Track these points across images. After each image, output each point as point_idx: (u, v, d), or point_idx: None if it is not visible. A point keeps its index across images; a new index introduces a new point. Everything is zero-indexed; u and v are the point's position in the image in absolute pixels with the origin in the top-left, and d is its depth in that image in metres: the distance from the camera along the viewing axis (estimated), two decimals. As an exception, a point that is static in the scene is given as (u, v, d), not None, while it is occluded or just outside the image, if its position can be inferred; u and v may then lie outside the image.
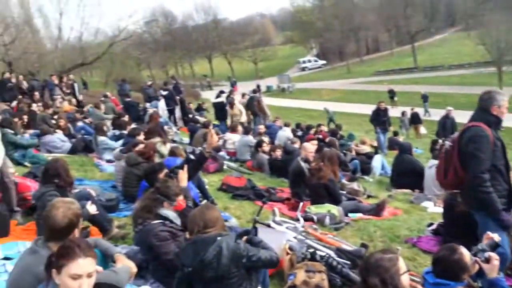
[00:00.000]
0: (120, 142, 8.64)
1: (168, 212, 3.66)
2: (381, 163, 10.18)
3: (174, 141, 12.14)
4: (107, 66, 35.46)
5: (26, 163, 7.57)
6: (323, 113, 25.41)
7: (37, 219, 4.35)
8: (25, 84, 15.34)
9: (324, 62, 65.54)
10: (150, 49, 42.41)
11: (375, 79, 47.13)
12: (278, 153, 9.03)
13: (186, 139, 12.86)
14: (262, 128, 12.21)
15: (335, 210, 5.82)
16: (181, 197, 3.70)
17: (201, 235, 2.87)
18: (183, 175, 4.17)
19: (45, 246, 2.63)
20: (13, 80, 14.74)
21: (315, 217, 5.68)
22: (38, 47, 29.13)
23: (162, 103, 15.48)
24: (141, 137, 7.58)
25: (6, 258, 3.80)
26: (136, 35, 32.04)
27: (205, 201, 6.07)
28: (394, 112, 21.63)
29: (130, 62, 36.12)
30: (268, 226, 4.37)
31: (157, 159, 7.75)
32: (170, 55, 56.67)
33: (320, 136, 10.15)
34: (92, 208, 4.11)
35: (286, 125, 12.93)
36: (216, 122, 15.41)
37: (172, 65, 64.24)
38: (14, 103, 13.20)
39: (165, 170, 4.48)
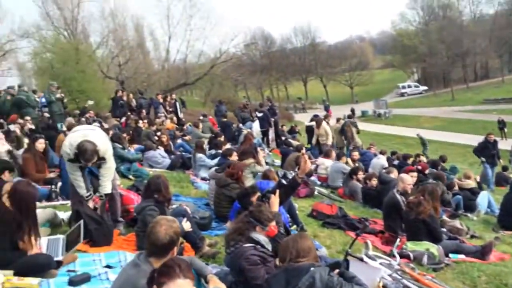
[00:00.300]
0: (215, 161, 8.94)
1: (260, 236, 3.65)
2: (487, 200, 9.30)
3: (266, 163, 12.29)
4: (207, 86, 37.34)
5: (130, 176, 8.14)
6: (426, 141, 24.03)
7: (137, 232, 4.60)
8: (134, 102, 16.59)
9: (425, 88, 62.25)
10: (248, 71, 43.76)
11: (483, 108, 43.60)
12: (374, 182, 8.69)
13: (278, 161, 12.96)
14: (356, 154, 11.88)
15: (434, 249, 5.41)
16: (273, 223, 3.67)
17: (293, 264, 2.81)
18: (275, 199, 4.16)
19: (147, 261, 2.75)
20: (124, 98, 16.01)
21: (411, 255, 5.34)
22: (147, 68, 31.63)
23: (256, 124, 15.81)
24: (235, 157, 7.75)
25: (107, 266, 4.06)
26: (235, 57, 33.23)
27: (294, 226, 6.06)
28: (504, 144, 19.86)
29: (228, 83, 37.58)
30: (361, 260, 4.16)
31: (251, 180, 7.95)
32: (266, 77, 57.99)
33: (419, 167, 9.55)
34: (187, 225, 4.26)
35: (382, 152, 12.46)
36: (308, 146, 15.32)
37: (268, 86, 65.61)
38: (123, 119, 14.33)
39: (258, 194, 4.50)
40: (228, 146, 10.92)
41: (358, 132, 15.36)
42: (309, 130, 15.58)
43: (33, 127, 10.54)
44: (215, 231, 5.57)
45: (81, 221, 4.31)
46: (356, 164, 11.45)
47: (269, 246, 3.70)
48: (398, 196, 6.56)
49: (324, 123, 13.92)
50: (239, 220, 3.78)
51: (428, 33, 59.40)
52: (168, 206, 4.83)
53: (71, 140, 4.51)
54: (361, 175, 9.45)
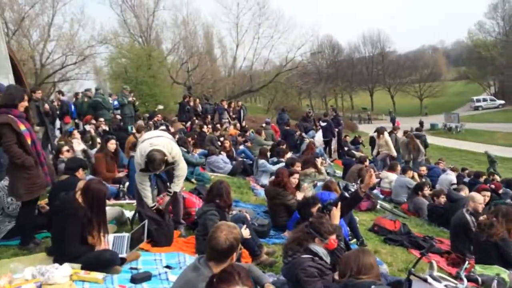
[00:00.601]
0: (277, 166, 8.93)
1: (318, 248, 3.59)
2: None
3: (327, 173, 12.12)
4: (271, 94, 37.59)
5: (193, 180, 8.36)
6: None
7: (197, 235, 4.70)
8: (200, 107, 17.07)
9: (502, 102, 58.39)
10: (313, 80, 43.54)
11: None
12: (442, 199, 8.26)
13: (339, 172, 12.71)
14: (424, 169, 11.37)
15: (506, 274, 5.02)
16: (333, 236, 3.59)
17: (354, 280, 2.73)
18: (336, 212, 4.07)
19: (206, 265, 2.79)
20: (191, 103, 16.51)
21: (479, 279, 4.99)
22: (214, 74, 32.47)
23: (319, 134, 15.64)
24: (298, 167, 7.71)
25: (167, 267, 4.17)
26: (301, 66, 33.20)
27: (354, 240, 5.90)
28: None
29: (293, 91, 37.58)
30: (425, 281, 3.94)
31: (311, 190, 7.86)
32: (332, 86, 57.35)
33: (493, 186, 8.96)
34: (246, 232, 4.28)
35: (453, 169, 11.79)
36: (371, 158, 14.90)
37: (332, 96, 64.82)
38: (188, 124, 14.78)
39: (319, 205, 4.43)
40: (289, 154, 10.89)
41: (426, 146, 14.74)
42: (373, 141, 15.17)
43: (106, 128, 11.15)
44: (272, 239, 5.55)
45: (145, 221, 4.48)
46: (423, 180, 11.00)
47: (327, 259, 3.63)
48: (468, 216, 6.19)
49: (386, 134, 13.49)
50: (298, 230, 3.73)
51: (508, 44, 55.82)
52: (228, 211, 4.89)
53: (141, 151, 4.71)
54: (427, 191, 9.02)
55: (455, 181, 10.82)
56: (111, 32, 28.53)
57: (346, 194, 4.26)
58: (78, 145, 6.42)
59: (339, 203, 4.10)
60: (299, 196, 6.45)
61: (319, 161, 8.33)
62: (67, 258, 3.77)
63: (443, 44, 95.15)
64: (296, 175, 6.57)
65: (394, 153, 12.97)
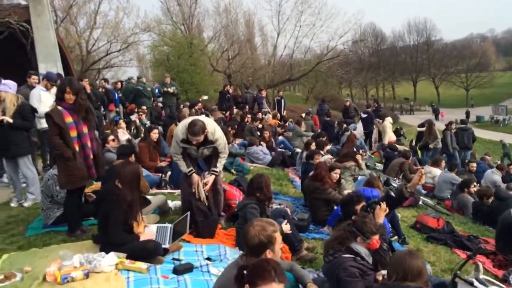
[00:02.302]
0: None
1: (360, 248, 3.52)
2: None
3: (367, 166, 11.89)
4: (311, 83, 37.14)
5: (232, 170, 8.42)
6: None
7: (237, 227, 4.73)
8: (239, 96, 17.10)
9: (556, 94, 55.52)
10: (354, 69, 42.64)
11: None
12: (490, 198, 7.94)
13: (380, 165, 12.45)
14: (474, 165, 10.94)
15: (556, 279, 4.79)
16: (376, 236, 3.51)
17: (399, 283, 2.65)
18: (380, 211, 3.97)
19: (246, 261, 2.80)
20: (231, 91, 16.55)
21: (528, 283, 4.78)
22: (254, 63, 32.34)
23: (360, 125, 15.36)
24: (318, 160, 7.55)
25: (208, 258, 4.22)
26: (343, 55, 32.53)
27: (395, 237, 5.76)
28: None
29: (333, 80, 37.01)
30: (471, 284, 3.81)
31: (351, 184, 7.74)
32: (373, 75, 56.01)
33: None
34: (286, 227, 4.27)
35: (499, 167, 11.26)
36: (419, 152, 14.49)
37: (374, 85, 63.37)
38: (228, 113, 14.85)
39: (363, 203, 4.34)
40: (329, 146, 10.76)
41: (474, 140, 14.17)
42: (420, 134, 14.70)
43: (145, 121, 11.35)
44: (312, 234, 5.51)
45: (188, 213, 4.55)
46: (470, 176, 10.61)
47: (369, 259, 3.56)
48: (516, 216, 5.93)
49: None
50: (341, 228, 3.68)
51: None
52: (268, 205, 4.89)
53: (184, 123, 4.79)
54: (473, 188, 8.69)
55: (500, 182, 10.38)
56: (154, 19, 28.94)
57: (392, 194, 4.12)
58: (123, 134, 6.58)
59: (384, 203, 3.99)
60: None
61: (359, 156, 8.14)
62: (112, 246, 3.88)
63: (493, 33, 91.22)
64: (338, 170, 6.46)
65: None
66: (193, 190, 4.85)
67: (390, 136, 14.01)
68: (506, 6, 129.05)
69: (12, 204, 6.10)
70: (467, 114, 45.79)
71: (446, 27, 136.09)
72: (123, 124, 7.64)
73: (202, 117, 4.96)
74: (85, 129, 4.51)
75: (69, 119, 4.36)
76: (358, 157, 7.97)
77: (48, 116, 4.34)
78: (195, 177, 4.88)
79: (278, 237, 2.77)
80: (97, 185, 5.77)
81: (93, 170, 4.55)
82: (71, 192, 4.57)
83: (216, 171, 4.99)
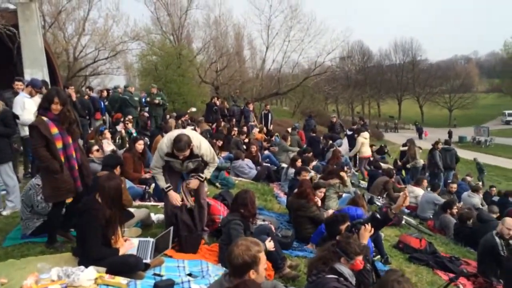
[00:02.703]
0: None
1: (344, 268, 3.51)
2: None
3: (351, 183, 11.95)
4: (298, 97, 37.33)
5: (217, 184, 8.37)
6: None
7: (220, 244, 4.68)
8: (226, 109, 17.09)
9: (536, 117, 56.74)
10: (341, 85, 43.07)
11: None
12: (470, 220, 8.03)
13: (364, 183, 12.54)
14: (454, 186, 11.08)
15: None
16: (360, 257, 3.51)
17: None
18: (365, 232, 3.96)
19: (230, 281, 2.76)
20: (218, 104, 16.52)
21: (508, 308, 4.82)
22: (242, 75, 32.42)
23: (345, 142, 15.45)
24: (305, 176, 7.57)
25: (190, 274, 4.16)
26: (330, 71, 32.84)
27: (378, 256, 5.77)
28: None
29: (320, 96, 37.32)
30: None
31: (335, 201, 7.75)
32: (359, 92, 56.67)
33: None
34: (270, 245, 4.25)
35: (475, 190, 11.36)
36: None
37: (360, 102, 64.06)
38: (214, 125, 14.82)
39: (348, 223, 4.34)
40: (314, 163, 10.78)
41: (457, 161, 14.36)
42: (402, 153, 14.86)
43: (132, 130, 11.27)
44: (295, 252, 5.48)
45: (171, 228, 4.48)
46: (452, 196, 10.74)
47: (353, 280, 3.54)
48: (497, 239, 6.02)
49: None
50: (324, 249, 3.66)
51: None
52: (253, 221, 4.85)
53: (169, 136, 4.72)
54: (455, 210, 8.79)
55: (479, 204, 10.54)
56: (143, 29, 28.85)
57: (378, 216, 4.12)
58: (108, 145, 6.49)
59: (369, 224, 3.98)
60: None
61: (344, 173, 8.16)
62: (91, 260, 3.80)
63: (477, 55, 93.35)
64: (323, 189, 6.48)
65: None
66: (175, 203, 4.77)
67: (362, 151, 13.94)
68: (489, 30, 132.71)
69: (-10, 212, 5.95)
70: (450, 134, 46.46)
71: (432, 48, 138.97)
72: (108, 134, 7.55)
73: (188, 131, 4.92)
74: (70, 140, 4.42)
75: (54, 130, 4.28)
76: (343, 174, 7.99)
77: (33, 127, 4.23)
78: (173, 194, 4.80)
79: (263, 257, 2.74)
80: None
81: (79, 182, 4.45)
82: (57, 204, 4.47)
83: (202, 177, 4.93)
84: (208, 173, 5.00)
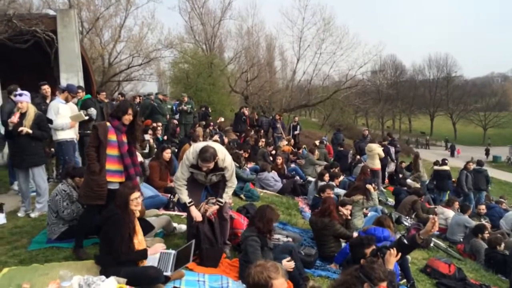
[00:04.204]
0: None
1: None
2: None
3: (379, 201, 11.68)
4: (327, 109, 37.06)
5: (242, 196, 8.31)
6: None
7: (240, 259, 4.62)
8: (255, 119, 17.08)
9: None
10: (372, 99, 42.52)
11: None
12: (502, 246, 7.69)
13: (391, 201, 12.23)
14: (483, 208, 10.69)
15: None
16: (384, 283, 3.37)
17: None
18: (391, 257, 3.81)
19: None
20: (247, 113, 16.53)
21: None
22: (272, 86, 32.46)
23: (374, 158, 15.12)
24: (328, 194, 7.44)
25: (210, 290, 4.11)
26: (361, 84, 32.48)
27: (404, 281, 5.58)
28: None
29: (349, 109, 36.95)
30: None
31: (361, 219, 7.57)
32: (390, 107, 55.78)
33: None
34: (288, 264, 4.16)
35: None
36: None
37: (390, 117, 63.03)
38: (243, 135, 14.83)
39: (373, 246, 4.20)
40: (342, 178, 10.60)
41: (488, 182, 13.87)
42: (439, 175, 14.27)
43: (161, 138, 11.40)
44: (318, 271, 5.33)
45: (193, 241, 4.44)
46: (482, 220, 10.35)
47: None
48: (532, 271, 5.71)
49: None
50: (348, 273, 3.53)
51: None
52: (269, 237, 4.76)
53: (195, 147, 4.73)
54: (487, 234, 8.43)
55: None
56: (177, 37, 29.40)
57: (405, 241, 3.96)
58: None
59: (396, 249, 3.83)
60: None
61: (370, 186, 7.90)
62: (112, 270, 3.80)
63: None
64: (349, 206, 6.33)
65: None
66: (197, 219, 4.76)
67: (373, 164, 12.74)
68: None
69: (19, 214, 6.10)
70: (487, 151, 45.19)
71: (467, 64, 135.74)
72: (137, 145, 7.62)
73: (213, 144, 4.89)
74: (125, 150, 4.56)
75: (112, 137, 4.46)
76: (369, 187, 7.75)
77: (95, 127, 4.48)
78: (194, 210, 4.78)
79: (277, 283, 2.53)
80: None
81: (136, 181, 4.58)
82: (90, 208, 4.55)
83: (222, 202, 4.90)
84: (227, 196, 4.94)
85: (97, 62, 27.59)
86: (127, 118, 4.51)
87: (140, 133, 4.79)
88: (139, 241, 4.02)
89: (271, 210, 4.80)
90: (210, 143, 4.90)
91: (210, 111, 17.52)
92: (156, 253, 4.24)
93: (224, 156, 4.74)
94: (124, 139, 4.56)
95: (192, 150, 4.72)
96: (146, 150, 8.72)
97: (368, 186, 7.78)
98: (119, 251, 3.84)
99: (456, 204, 10.22)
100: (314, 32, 31.10)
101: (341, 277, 3.58)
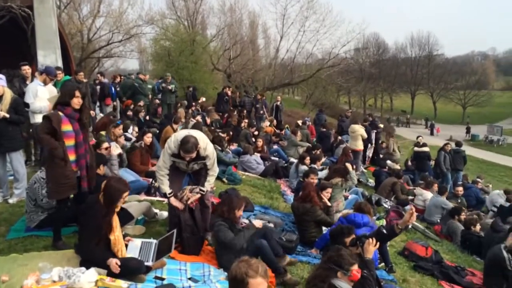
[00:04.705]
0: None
1: (343, 284, 3.42)
2: None
3: (359, 182, 11.84)
4: (310, 88, 37.02)
5: (224, 179, 8.31)
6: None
7: (216, 248, 4.75)
8: (238, 99, 16.98)
9: (551, 117, 55.93)
10: (354, 78, 42.55)
11: None
12: (477, 228, 7.91)
13: (372, 181, 12.41)
14: (460, 189, 10.93)
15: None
16: (355, 266, 3.42)
17: None
18: (370, 246, 3.88)
19: None
20: (229, 94, 16.41)
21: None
22: (255, 64, 32.17)
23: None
24: (312, 180, 7.31)
25: (191, 278, 4.13)
26: (344, 63, 32.41)
27: (382, 264, 5.70)
28: None
29: (332, 87, 36.94)
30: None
31: (342, 201, 7.66)
32: (373, 86, 56.03)
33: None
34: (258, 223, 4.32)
35: (507, 192, 11.21)
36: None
37: (372, 95, 63.42)
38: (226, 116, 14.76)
39: (353, 236, 4.27)
40: (324, 159, 10.66)
41: (465, 162, 14.16)
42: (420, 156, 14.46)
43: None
44: (299, 256, 5.40)
45: (174, 231, 4.44)
46: (459, 200, 10.62)
47: None
48: (505, 253, 5.87)
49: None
50: (318, 267, 3.60)
51: None
52: (235, 222, 4.81)
53: (177, 136, 4.68)
54: (463, 216, 8.65)
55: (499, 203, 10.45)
56: (158, 13, 28.75)
57: (384, 231, 4.03)
58: (116, 148, 6.41)
59: (374, 239, 3.89)
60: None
61: (349, 165, 7.93)
62: (86, 261, 3.82)
63: (494, 52, 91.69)
64: (329, 189, 6.40)
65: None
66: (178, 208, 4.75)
67: (356, 145, 12.84)
68: (508, 27, 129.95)
69: (-3, 200, 5.99)
70: (468, 129, 46.04)
71: (448, 42, 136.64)
72: (122, 137, 7.42)
73: (194, 132, 4.84)
74: (82, 139, 4.39)
75: (67, 127, 4.26)
76: (348, 165, 7.81)
77: (46, 117, 4.24)
78: (174, 201, 4.76)
79: (256, 284, 2.45)
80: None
81: (85, 183, 4.41)
82: (61, 202, 4.45)
83: (204, 190, 4.89)
84: (208, 185, 4.95)
85: (76, 38, 26.85)
86: (76, 102, 4.26)
87: (88, 117, 4.48)
88: (116, 237, 3.94)
89: (236, 200, 4.87)
90: (191, 131, 4.85)
91: (196, 91, 17.34)
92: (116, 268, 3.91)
93: (205, 145, 4.71)
94: (80, 127, 4.35)
95: (174, 139, 4.67)
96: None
97: (347, 164, 7.86)
98: (82, 245, 3.87)
99: (435, 187, 10.43)
100: (298, 9, 30.70)
101: (313, 272, 3.63)
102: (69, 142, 4.27)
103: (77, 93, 4.28)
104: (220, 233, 4.49)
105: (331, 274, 3.43)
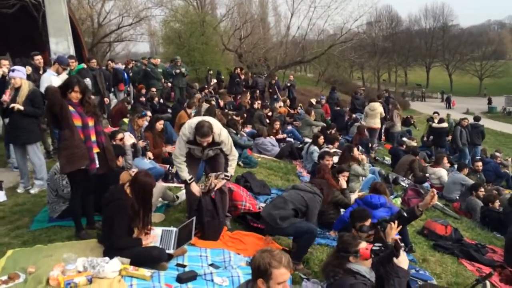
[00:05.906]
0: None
1: (358, 266, 3.42)
2: None
3: (375, 160, 11.77)
4: (323, 65, 36.55)
5: (240, 163, 8.30)
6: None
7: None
8: (250, 81, 16.86)
9: None
10: (367, 53, 41.85)
11: None
12: (497, 204, 7.81)
13: (388, 159, 12.28)
14: (479, 165, 10.76)
15: None
16: (362, 245, 3.43)
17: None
18: (391, 230, 3.86)
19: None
20: (242, 76, 16.28)
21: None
22: (266, 43, 31.78)
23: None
24: (328, 161, 7.16)
25: (212, 264, 4.18)
26: (356, 38, 31.81)
27: (402, 244, 5.68)
28: None
29: (345, 64, 36.43)
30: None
31: (358, 183, 7.62)
32: (386, 60, 55.05)
33: None
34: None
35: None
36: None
37: (386, 70, 62.39)
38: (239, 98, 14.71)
39: (370, 220, 4.26)
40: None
41: (483, 137, 13.96)
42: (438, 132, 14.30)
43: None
44: (318, 239, 5.35)
45: (194, 218, 4.48)
46: (478, 176, 10.46)
47: (372, 277, 3.47)
48: (526, 229, 5.81)
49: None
50: (331, 255, 3.66)
51: None
52: None
53: (190, 123, 4.68)
54: (482, 192, 8.53)
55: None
56: (167, -6, 28.46)
57: (404, 214, 4.00)
58: (130, 138, 6.44)
59: (396, 222, 3.87)
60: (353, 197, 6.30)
61: (356, 151, 7.85)
62: (116, 250, 3.86)
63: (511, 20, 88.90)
64: (346, 173, 6.35)
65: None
66: (197, 194, 4.79)
67: (374, 122, 12.70)
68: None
69: (19, 190, 6.12)
70: (489, 101, 44.92)
71: (463, 13, 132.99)
72: (143, 122, 7.46)
73: (207, 118, 4.84)
74: (90, 122, 4.37)
75: (72, 108, 4.24)
76: (355, 152, 7.75)
77: (52, 89, 4.18)
78: (195, 186, 4.81)
79: (279, 275, 2.44)
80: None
81: (94, 164, 4.39)
82: (76, 191, 4.49)
83: (228, 176, 4.92)
84: (232, 170, 4.96)
85: (86, 23, 26.83)
86: (74, 96, 4.23)
87: (92, 110, 4.37)
88: (140, 229, 4.03)
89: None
90: (205, 118, 4.84)
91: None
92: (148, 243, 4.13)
93: (219, 131, 4.71)
94: (81, 110, 4.29)
95: (188, 126, 4.67)
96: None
97: (356, 152, 7.75)
98: (116, 237, 3.88)
99: (445, 161, 10.26)
100: (308, -16, 30.10)
101: (329, 258, 3.68)
102: (77, 122, 4.25)
103: (76, 88, 4.24)
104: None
105: (344, 261, 3.46)
